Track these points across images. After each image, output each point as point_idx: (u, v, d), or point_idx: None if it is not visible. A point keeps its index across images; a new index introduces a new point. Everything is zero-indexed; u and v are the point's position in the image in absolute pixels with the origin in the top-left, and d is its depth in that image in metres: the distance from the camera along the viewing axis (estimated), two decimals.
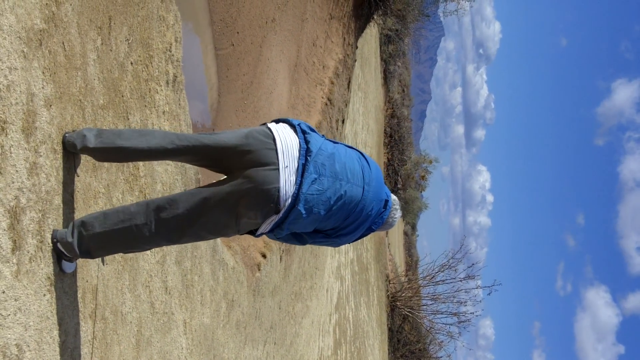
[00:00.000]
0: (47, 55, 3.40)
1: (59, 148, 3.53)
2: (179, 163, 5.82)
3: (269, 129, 3.82)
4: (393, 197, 4.35)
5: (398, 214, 4.37)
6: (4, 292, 2.90)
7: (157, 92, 5.41)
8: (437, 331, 39.76)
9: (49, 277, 3.38)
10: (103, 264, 4.18)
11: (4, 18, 2.95)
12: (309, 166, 3.71)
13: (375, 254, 34.81)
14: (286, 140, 3.77)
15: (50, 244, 3.41)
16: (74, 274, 3.72)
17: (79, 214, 3.79)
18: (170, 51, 5.74)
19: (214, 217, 3.64)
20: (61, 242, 3.45)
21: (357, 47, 21.60)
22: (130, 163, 4.73)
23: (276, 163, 3.66)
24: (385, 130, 48.71)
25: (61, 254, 3.49)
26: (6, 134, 2.95)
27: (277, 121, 3.98)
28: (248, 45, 9.61)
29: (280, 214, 3.67)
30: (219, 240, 7.24)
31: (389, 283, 40.89)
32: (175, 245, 5.72)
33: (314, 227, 3.92)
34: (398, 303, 39.36)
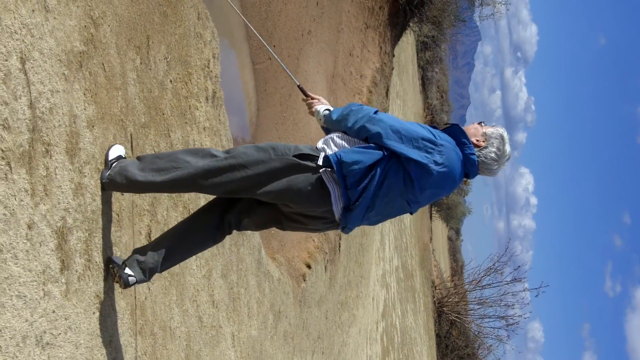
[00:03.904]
0: (87, 77, 3.45)
1: (103, 167, 3.58)
2: None
3: None
4: (488, 130, 3.98)
5: (499, 150, 3.94)
6: (54, 311, 2.94)
7: (197, 109, 5.45)
8: (486, 335, 39.43)
9: (97, 295, 3.42)
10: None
11: (43, 42, 3.00)
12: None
13: (420, 260, 34.68)
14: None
15: (101, 263, 3.45)
16: (122, 291, 3.77)
17: (124, 232, 3.84)
18: (209, 67, 5.79)
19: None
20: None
21: (394, 55, 21.57)
22: None
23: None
24: None
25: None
26: (50, 156, 3.00)
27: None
28: (285, 58, 9.65)
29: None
30: (263, 252, 7.26)
31: (435, 289, 40.68)
32: (220, 258, 5.76)
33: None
34: (445, 308, 39.11)
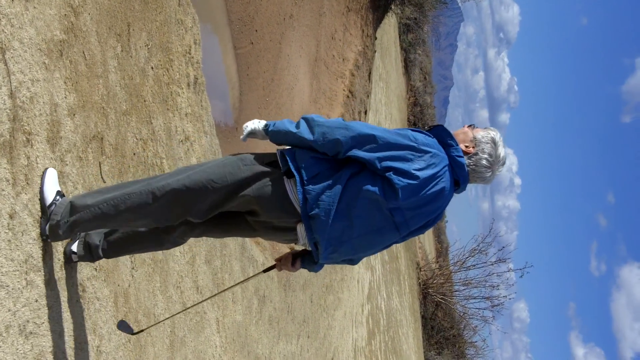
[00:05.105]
0: (68, 65, 3.44)
1: (84, 156, 3.58)
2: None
3: None
4: (477, 133, 3.55)
5: (491, 156, 3.50)
6: (37, 300, 2.95)
7: (179, 95, 5.44)
8: (471, 316, 39.65)
9: (80, 284, 3.43)
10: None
11: (23, 31, 2.99)
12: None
13: (404, 243, 34.75)
14: None
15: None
16: (105, 279, 3.77)
17: None
18: (190, 53, 5.78)
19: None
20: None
21: (376, 38, 21.56)
22: (153, 158, 4.77)
23: None
24: (408, 118, 48.51)
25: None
26: (31, 145, 3.00)
27: None
28: (267, 43, 9.64)
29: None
30: (247, 238, 7.27)
31: (420, 271, 40.78)
32: (204, 244, 5.77)
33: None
34: (430, 290, 39.25)
